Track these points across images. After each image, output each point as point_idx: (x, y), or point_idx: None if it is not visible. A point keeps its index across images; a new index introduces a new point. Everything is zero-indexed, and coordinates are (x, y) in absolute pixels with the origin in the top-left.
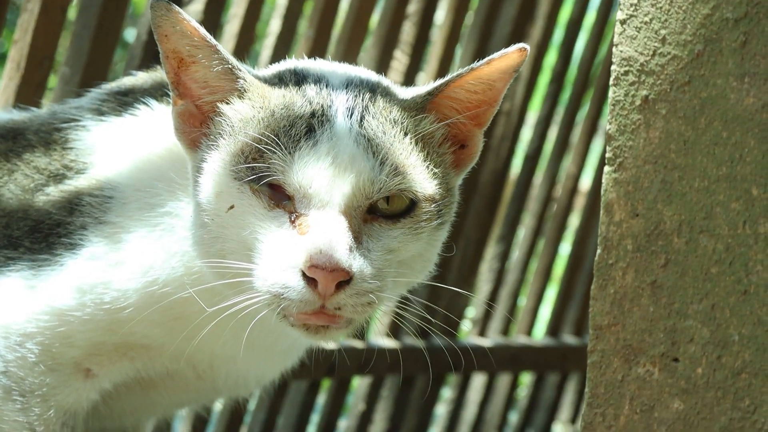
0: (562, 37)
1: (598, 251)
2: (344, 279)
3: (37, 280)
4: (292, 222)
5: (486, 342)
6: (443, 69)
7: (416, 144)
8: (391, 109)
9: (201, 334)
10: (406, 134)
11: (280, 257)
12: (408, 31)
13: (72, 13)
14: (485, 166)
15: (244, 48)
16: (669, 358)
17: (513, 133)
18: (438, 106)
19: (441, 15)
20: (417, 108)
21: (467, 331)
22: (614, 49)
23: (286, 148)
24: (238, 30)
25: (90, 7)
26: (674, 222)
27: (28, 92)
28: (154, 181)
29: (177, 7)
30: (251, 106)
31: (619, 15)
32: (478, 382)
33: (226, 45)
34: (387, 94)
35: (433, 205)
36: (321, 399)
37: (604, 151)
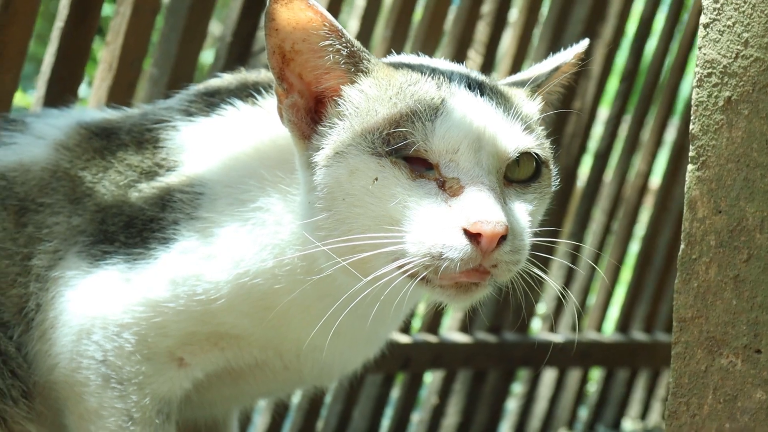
0: (633, 36)
1: (682, 246)
2: (504, 234)
3: (133, 272)
4: (441, 187)
5: (556, 338)
6: (516, 67)
7: (533, 118)
8: (506, 89)
9: (289, 324)
10: (524, 107)
11: (437, 220)
12: (482, 30)
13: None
14: (556, 164)
15: None
16: (751, 350)
17: (584, 131)
18: (541, 91)
19: (514, 14)
20: (528, 92)
21: (538, 327)
22: (698, 52)
23: (423, 119)
24: None
25: (178, 11)
26: (756, 218)
27: (120, 92)
28: (244, 177)
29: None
30: (377, 86)
31: (703, 19)
32: (548, 377)
33: None
34: (493, 81)
35: (551, 174)
36: (395, 393)
37: (674, 150)
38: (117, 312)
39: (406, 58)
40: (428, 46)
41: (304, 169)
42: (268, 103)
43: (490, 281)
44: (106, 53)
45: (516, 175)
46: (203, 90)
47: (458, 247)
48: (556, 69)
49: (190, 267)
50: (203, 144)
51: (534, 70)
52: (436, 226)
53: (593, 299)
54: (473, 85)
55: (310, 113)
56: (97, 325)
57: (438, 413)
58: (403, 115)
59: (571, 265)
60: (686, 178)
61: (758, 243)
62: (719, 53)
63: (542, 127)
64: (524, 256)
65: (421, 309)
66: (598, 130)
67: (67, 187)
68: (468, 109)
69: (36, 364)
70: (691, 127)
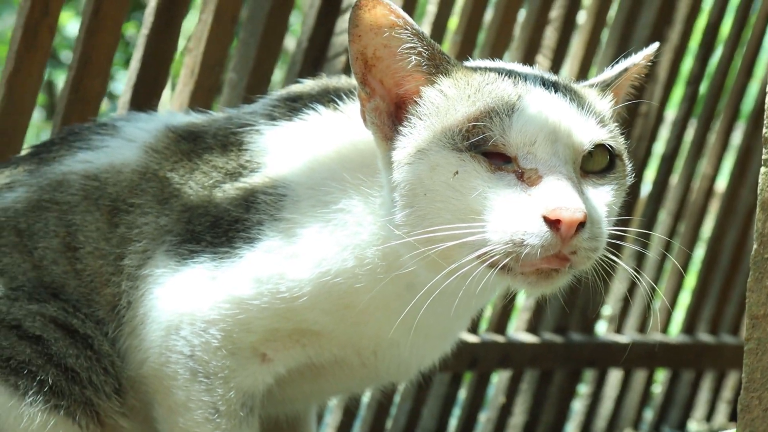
0: (700, 40)
1: (755, 246)
2: (582, 221)
3: (219, 271)
4: (519, 178)
5: (622, 338)
6: (583, 71)
7: (606, 114)
8: (579, 87)
9: (368, 321)
10: (597, 103)
11: (517, 208)
12: (550, 35)
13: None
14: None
15: None
16: None
17: (650, 134)
18: (616, 88)
19: (582, 17)
20: (599, 90)
21: (604, 328)
22: None
23: (501, 115)
24: None
25: (256, 18)
26: None
27: (201, 96)
28: (326, 180)
29: (383, 1)
30: (456, 86)
31: None
32: (614, 377)
33: None
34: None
35: (625, 167)
36: (462, 392)
37: (740, 153)
38: (204, 309)
39: (482, 62)
40: (497, 51)
41: (387, 169)
42: (349, 108)
43: (570, 269)
44: (188, 59)
45: (591, 166)
46: (286, 95)
47: (539, 233)
48: (626, 70)
49: (274, 266)
50: (286, 147)
51: (603, 74)
52: (517, 214)
53: (659, 301)
54: (547, 84)
55: (392, 115)
56: (185, 321)
57: (505, 412)
58: (481, 112)
59: (633, 272)
60: (759, 180)
61: None
62: None
63: (615, 123)
64: (602, 244)
65: (489, 310)
66: (664, 133)
67: (155, 188)
68: (543, 104)
69: (128, 359)
70: (764, 131)
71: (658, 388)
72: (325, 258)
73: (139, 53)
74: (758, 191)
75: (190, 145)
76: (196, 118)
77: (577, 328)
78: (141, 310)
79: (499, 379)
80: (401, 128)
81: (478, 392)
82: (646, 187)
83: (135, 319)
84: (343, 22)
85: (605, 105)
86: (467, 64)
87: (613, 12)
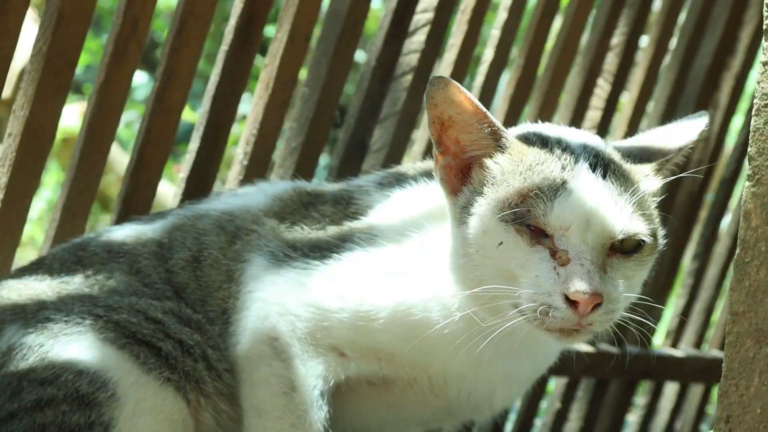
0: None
1: (738, 251)
2: (599, 302)
3: (309, 278)
4: (553, 256)
5: (678, 353)
6: (643, 96)
7: (646, 196)
8: (627, 166)
9: (438, 352)
10: (639, 188)
11: (546, 283)
12: (611, 61)
13: (314, 41)
14: (682, 188)
15: (461, 74)
16: None
17: (710, 158)
18: (664, 168)
19: (643, 43)
20: (651, 170)
21: (661, 342)
22: (757, 86)
23: (546, 196)
24: (455, 58)
25: (328, 38)
26: None
27: (274, 109)
28: (411, 227)
29: (454, 82)
30: (511, 161)
31: (762, 58)
32: (670, 390)
33: (444, 72)
34: (623, 154)
35: (656, 244)
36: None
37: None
38: (294, 304)
39: (541, 129)
40: (559, 75)
41: (453, 220)
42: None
43: (588, 331)
44: (264, 74)
45: (620, 247)
46: (394, 171)
47: (560, 309)
48: (681, 149)
49: (358, 285)
50: (387, 205)
51: (657, 137)
52: (545, 288)
53: (716, 317)
54: (597, 165)
55: (459, 174)
56: (276, 311)
57: (561, 418)
58: (530, 191)
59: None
60: (743, 194)
61: None
62: None
63: (655, 202)
64: (617, 316)
65: None
66: (724, 158)
67: (273, 222)
68: (584, 192)
69: (228, 348)
70: (749, 149)
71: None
72: (403, 288)
73: (219, 68)
74: (742, 203)
75: (311, 198)
76: (324, 185)
77: (632, 341)
78: (241, 304)
79: (555, 386)
80: (465, 188)
81: (534, 398)
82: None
83: (237, 313)
84: (410, 43)
85: (651, 185)
86: (526, 130)
87: (675, 39)
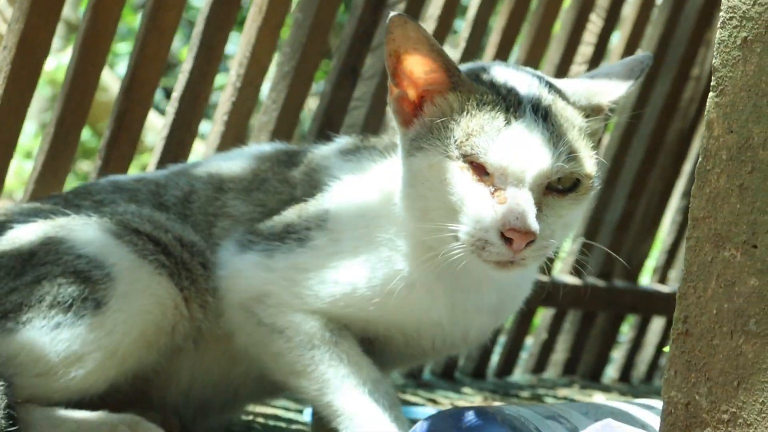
0: None
1: (699, 159)
2: (532, 239)
3: (272, 260)
4: (492, 194)
5: (665, 288)
6: (636, 34)
7: (583, 136)
8: (568, 109)
9: (410, 306)
10: (577, 128)
11: (484, 220)
12: None
13: None
14: (672, 126)
15: (452, 6)
16: (749, 245)
17: (701, 96)
18: (602, 110)
19: None
20: (588, 110)
21: (649, 278)
22: (723, 0)
23: (488, 136)
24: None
25: None
26: (761, 138)
27: (267, 33)
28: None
29: (413, 21)
30: (460, 99)
31: None
32: (656, 325)
33: (436, 5)
34: (564, 96)
35: (590, 182)
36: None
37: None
38: (265, 279)
39: (489, 68)
40: (551, 8)
41: (402, 151)
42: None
43: (522, 264)
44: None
45: (557, 186)
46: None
47: (496, 244)
48: (624, 95)
49: (319, 260)
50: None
51: (601, 78)
52: (483, 224)
53: None
54: (538, 107)
55: (411, 106)
56: (249, 284)
57: (547, 349)
58: (474, 130)
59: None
60: (707, 104)
61: (761, 158)
62: (740, 1)
63: (593, 140)
64: (550, 251)
65: None
66: None
67: (247, 180)
68: (523, 135)
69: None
70: (713, 61)
71: None
72: (362, 251)
73: None
74: (705, 113)
75: (287, 158)
76: (302, 147)
77: (620, 276)
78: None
79: (542, 317)
80: (416, 120)
81: (522, 327)
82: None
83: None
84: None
85: (587, 127)
86: (479, 68)
87: None
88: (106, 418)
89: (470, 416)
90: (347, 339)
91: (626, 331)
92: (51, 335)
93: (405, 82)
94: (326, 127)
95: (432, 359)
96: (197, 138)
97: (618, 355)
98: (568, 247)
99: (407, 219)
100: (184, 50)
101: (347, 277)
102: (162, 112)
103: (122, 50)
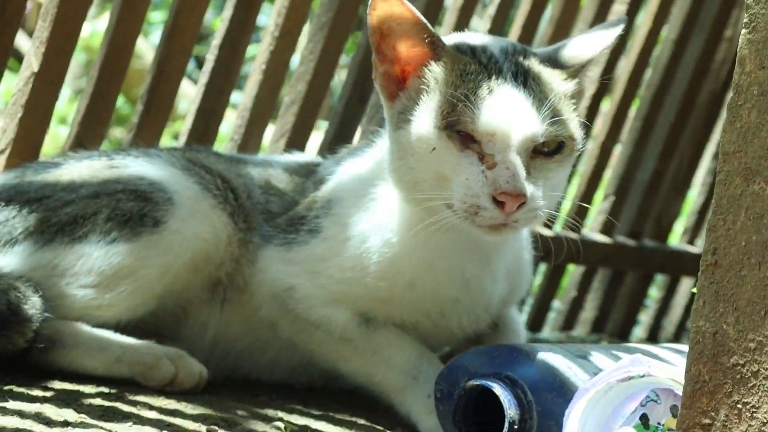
0: None
1: (731, 95)
2: (523, 202)
3: (293, 254)
4: (481, 160)
5: (694, 249)
6: None
7: (564, 99)
8: (546, 72)
9: (422, 284)
10: (557, 91)
11: (475, 186)
12: None
13: None
14: (704, 87)
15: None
16: None
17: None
18: (580, 73)
19: None
20: (567, 74)
21: (678, 239)
22: None
23: (473, 104)
24: None
25: None
26: None
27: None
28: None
29: None
30: (444, 70)
31: None
32: (685, 286)
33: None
34: (542, 61)
35: (574, 144)
36: (538, 279)
37: None
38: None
39: (470, 38)
40: None
41: (390, 125)
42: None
43: (514, 227)
44: None
45: (542, 148)
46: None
47: (488, 208)
48: (598, 54)
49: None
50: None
51: (578, 42)
52: (474, 190)
53: None
54: (518, 73)
55: (396, 80)
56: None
57: (576, 307)
58: (459, 99)
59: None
60: (739, 41)
61: None
62: None
63: (574, 102)
64: (541, 213)
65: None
66: None
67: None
68: (508, 99)
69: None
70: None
71: None
72: (366, 233)
73: None
74: (738, 49)
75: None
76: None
77: (650, 236)
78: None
79: (572, 275)
80: (401, 93)
81: (551, 285)
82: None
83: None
84: None
85: (569, 88)
86: (462, 39)
87: None
88: (152, 347)
89: (503, 353)
90: (381, 325)
91: (654, 293)
92: (106, 248)
93: (389, 57)
94: (361, 81)
95: (464, 338)
96: (228, 107)
97: (646, 315)
98: (597, 205)
99: (398, 192)
100: (217, 21)
101: (365, 262)
102: (194, 81)
103: (155, 19)
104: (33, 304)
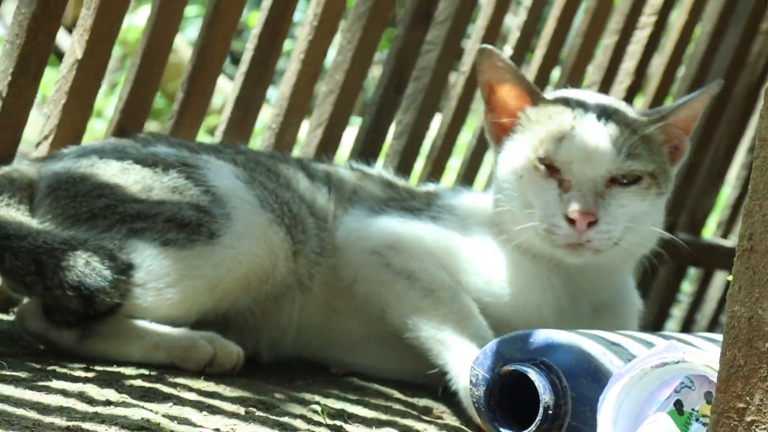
0: None
1: (767, 83)
2: (592, 220)
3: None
4: (560, 186)
5: (728, 243)
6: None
7: (643, 142)
8: (628, 119)
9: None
10: (637, 135)
11: (552, 207)
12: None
13: None
14: (740, 80)
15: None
16: None
17: None
18: (664, 119)
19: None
20: (653, 119)
21: (712, 232)
22: None
23: (557, 139)
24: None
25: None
26: None
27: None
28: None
29: (496, 51)
30: (538, 113)
31: None
32: (719, 280)
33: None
34: (626, 111)
35: (653, 180)
36: None
37: None
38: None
39: (570, 92)
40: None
41: (495, 164)
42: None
43: (593, 249)
44: None
45: (620, 180)
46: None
47: (562, 227)
48: (683, 105)
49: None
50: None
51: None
52: (551, 211)
53: None
54: (602, 115)
55: (502, 127)
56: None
57: None
58: (545, 135)
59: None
60: None
61: None
62: None
63: (658, 149)
64: (616, 236)
65: None
66: None
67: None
68: (586, 134)
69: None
70: None
71: None
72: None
73: None
74: None
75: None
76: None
77: (684, 229)
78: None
79: None
80: (505, 137)
81: None
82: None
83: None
84: None
85: (650, 131)
86: (558, 94)
87: None
88: (187, 333)
89: (537, 339)
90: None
91: (687, 287)
92: (159, 249)
93: (499, 110)
94: (398, 71)
95: None
96: (264, 103)
97: (679, 309)
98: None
99: (500, 223)
100: (253, 16)
101: (469, 255)
102: (230, 76)
103: (190, 13)
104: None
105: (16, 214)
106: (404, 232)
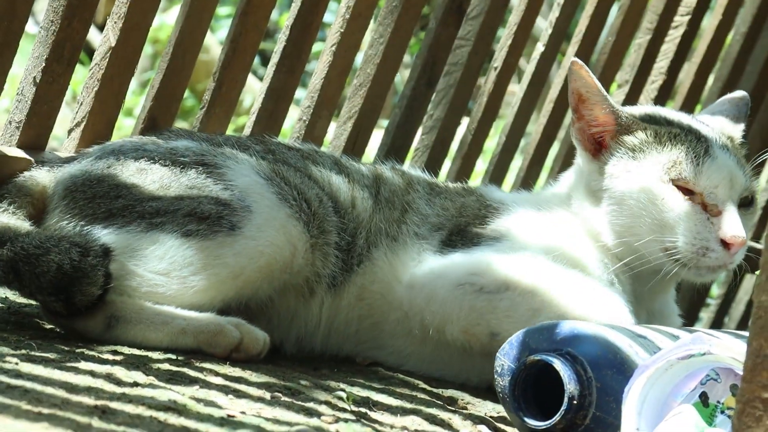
0: None
1: None
2: (744, 245)
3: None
4: (704, 209)
5: (759, 245)
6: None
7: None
8: (734, 140)
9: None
10: (742, 154)
11: (703, 231)
12: None
13: None
14: None
15: None
16: None
17: None
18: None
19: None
20: (741, 143)
21: None
22: None
23: (693, 162)
24: None
25: None
26: None
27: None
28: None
29: (585, 67)
30: (644, 134)
31: None
32: (748, 282)
33: None
34: (727, 131)
35: (757, 198)
36: None
37: None
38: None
39: (650, 109)
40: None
41: (591, 173)
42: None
43: (731, 268)
44: None
45: (744, 202)
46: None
47: (717, 250)
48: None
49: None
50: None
51: (725, 116)
52: (703, 234)
53: None
54: (719, 138)
55: (591, 139)
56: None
57: None
58: (678, 159)
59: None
60: None
61: None
62: None
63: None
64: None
65: None
66: None
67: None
68: (722, 158)
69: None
70: None
71: None
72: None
73: None
74: None
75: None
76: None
77: None
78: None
79: None
80: (604, 151)
81: None
82: None
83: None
84: None
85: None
86: (642, 112)
87: None
88: (214, 318)
89: (563, 330)
90: None
91: (715, 290)
92: (181, 240)
93: (585, 118)
94: (429, 65)
95: None
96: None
97: (708, 312)
98: None
99: (602, 234)
100: (283, 17)
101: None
102: (259, 77)
103: (220, 13)
104: (95, 253)
105: (9, 219)
106: (480, 258)
